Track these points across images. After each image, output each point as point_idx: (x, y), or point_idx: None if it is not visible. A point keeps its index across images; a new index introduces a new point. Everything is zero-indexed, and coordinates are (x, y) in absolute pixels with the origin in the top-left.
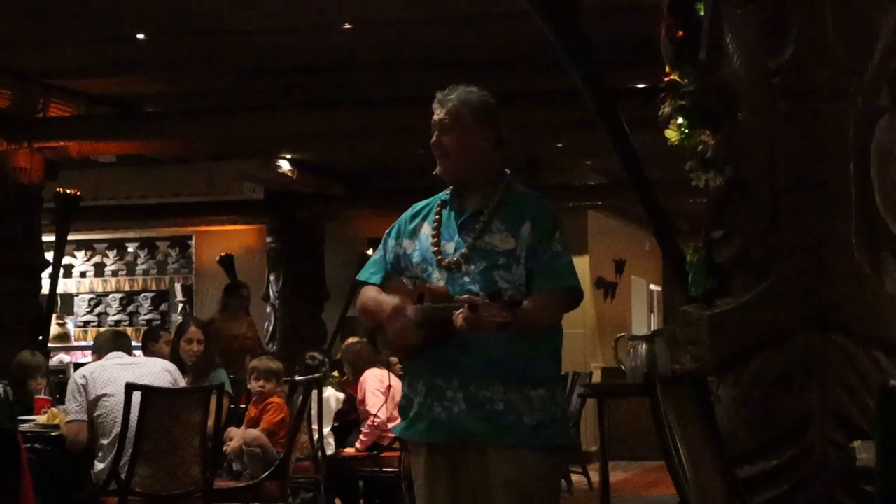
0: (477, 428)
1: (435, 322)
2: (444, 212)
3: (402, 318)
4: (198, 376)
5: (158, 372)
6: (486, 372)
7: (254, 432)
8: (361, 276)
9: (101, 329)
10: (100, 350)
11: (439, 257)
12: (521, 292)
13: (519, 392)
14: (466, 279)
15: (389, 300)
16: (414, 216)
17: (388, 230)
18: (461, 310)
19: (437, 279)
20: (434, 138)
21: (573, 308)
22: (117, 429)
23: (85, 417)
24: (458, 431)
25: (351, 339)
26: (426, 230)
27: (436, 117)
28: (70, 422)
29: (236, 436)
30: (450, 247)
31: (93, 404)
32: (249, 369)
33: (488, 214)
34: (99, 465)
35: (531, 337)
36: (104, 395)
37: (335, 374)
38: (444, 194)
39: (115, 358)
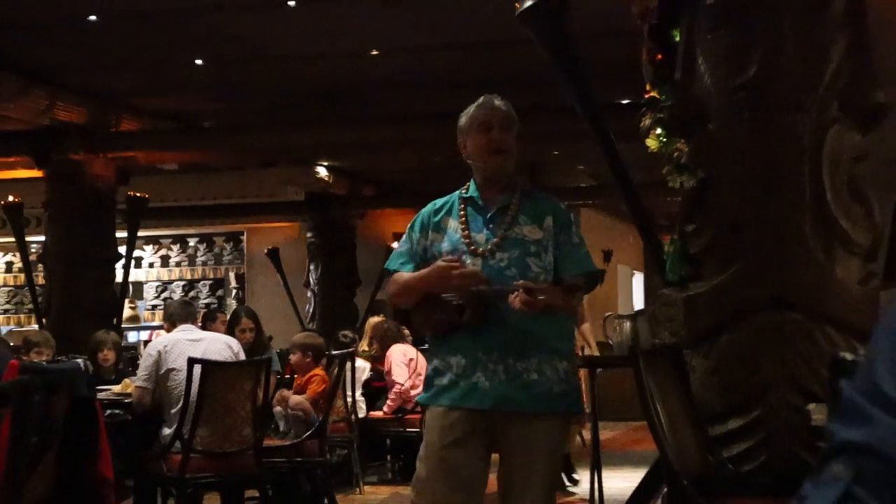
0: (516, 395)
1: (482, 302)
2: (469, 207)
3: (453, 265)
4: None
5: (221, 349)
6: (522, 346)
7: (297, 398)
8: (391, 266)
9: (173, 299)
10: (171, 318)
11: (472, 247)
12: (550, 276)
13: (549, 364)
14: (502, 265)
15: (433, 268)
16: (437, 212)
17: (410, 225)
18: (518, 292)
19: (471, 265)
20: (496, 135)
21: (593, 289)
22: (183, 402)
23: (150, 385)
24: (499, 398)
25: (376, 319)
26: (453, 224)
27: (494, 117)
28: (137, 386)
29: (288, 395)
30: (480, 237)
31: (163, 377)
32: (294, 344)
33: (514, 209)
34: (166, 430)
35: (558, 315)
36: (174, 369)
37: (365, 347)
38: (462, 192)
39: (185, 332)
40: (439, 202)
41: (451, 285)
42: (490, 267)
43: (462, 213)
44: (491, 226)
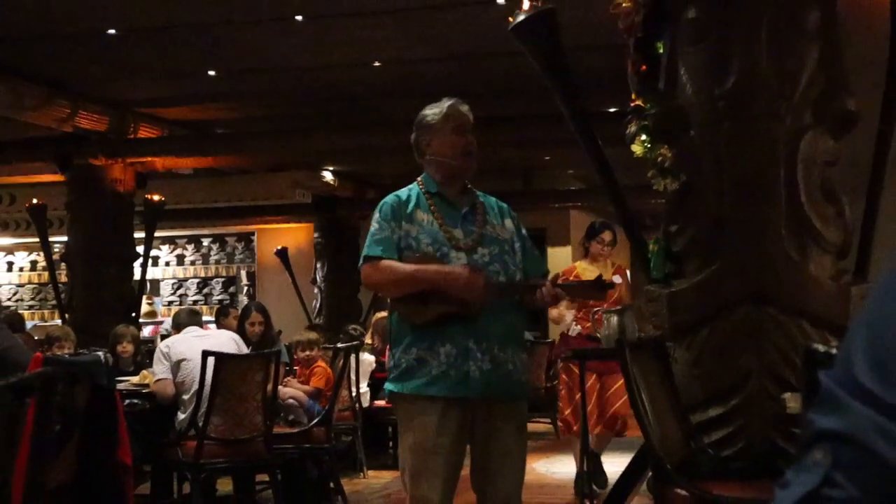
0: (500, 383)
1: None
2: (439, 203)
3: (481, 278)
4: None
5: (226, 341)
6: (504, 338)
7: (289, 391)
8: (374, 252)
9: (183, 308)
10: (178, 326)
11: (454, 241)
12: (521, 273)
13: (518, 355)
14: (485, 260)
15: (454, 268)
16: (405, 203)
17: (382, 214)
18: (551, 285)
19: (455, 258)
20: (470, 138)
21: None
22: (195, 387)
23: (170, 376)
24: (487, 387)
25: (380, 314)
26: (425, 217)
27: (467, 122)
28: (158, 380)
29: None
30: (458, 233)
31: (175, 367)
32: (295, 342)
33: (481, 210)
34: (181, 416)
35: (523, 311)
36: (183, 360)
37: (368, 340)
38: (421, 187)
39: (192, 331)
40: (402, 194)
41: (470, 293)
42: (474, 261)
43: (433, 207)
44: (464, 223)
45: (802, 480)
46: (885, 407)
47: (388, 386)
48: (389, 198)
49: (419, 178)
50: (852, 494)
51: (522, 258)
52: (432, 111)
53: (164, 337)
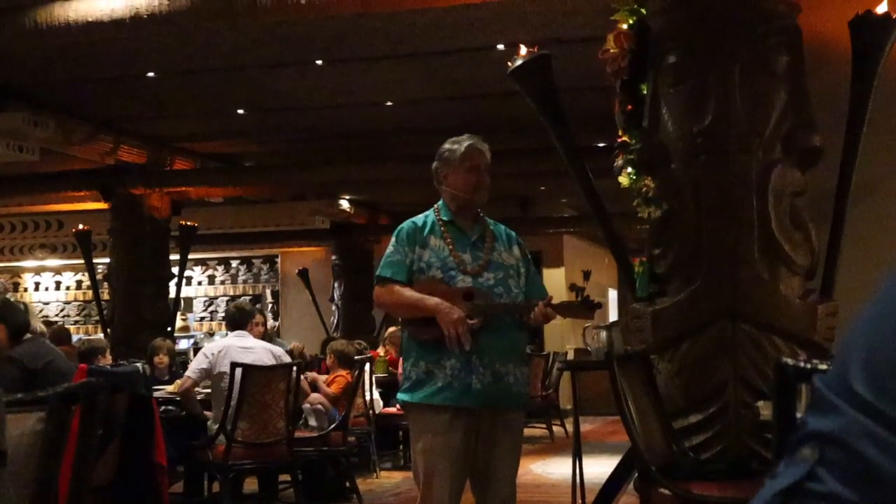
0: (500, 395)
1: (486, 315)
2: (452, 230)
3: (465, 325)
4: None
5: (267, 357)
6: (505, 353)
7: (316, 395)
8: (385, 273)
9: (213, 323)
10: (232, 324)
11: (462, 266)
12: (523, 296)
13: (519, 369)
14: (490, 283)
15: (452, 308)
16: (420, 229)
17: (397, 238)
18: (544, 305)
19: (461, 281)
20: (483, 176)
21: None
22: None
23: (196, 377)
24: (488, 399)
25: (393, 328)
26: (438, 243)
27: (482, 161)
28: (187, 376)
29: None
30: (466, 258)
31: (216, 378)
32: (329, 349)
33: (491, 237)
34: (214, 427)
35: (525, 328)
36: (224, 372)
37: (382, 352)
38: (436, 215)
39: (238, 339)
40: (418, 221)
41: (455, 331)
42: (480, 284)
43: (446, 234)
44: (473, 249)
45: (789, 472)
46: (877, 413)
47: (400, 396)
48: (407, 223)
49: (436, 205)
50: (834, 489)
51: (526, 283)
52: (452, 147)
53: (197, 348)
